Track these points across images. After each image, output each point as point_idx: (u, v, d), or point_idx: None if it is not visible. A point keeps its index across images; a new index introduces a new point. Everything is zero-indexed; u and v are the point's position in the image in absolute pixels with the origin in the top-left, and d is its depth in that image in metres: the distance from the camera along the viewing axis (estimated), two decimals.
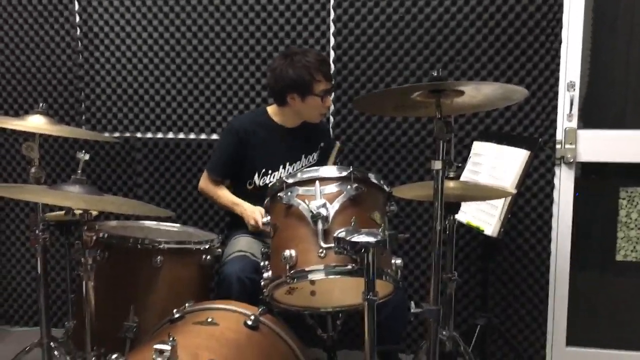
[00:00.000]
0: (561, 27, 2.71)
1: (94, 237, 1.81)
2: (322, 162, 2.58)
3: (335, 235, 1.59)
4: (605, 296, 2.96)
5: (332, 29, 2.87)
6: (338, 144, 2.37)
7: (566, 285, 2.88)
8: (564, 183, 2.82)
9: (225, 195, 2.52)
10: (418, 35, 2.81)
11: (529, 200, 2.82)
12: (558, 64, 2.73)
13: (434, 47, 2.80)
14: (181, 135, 3.05)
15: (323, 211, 1.72)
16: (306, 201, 1.76)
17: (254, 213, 2.33)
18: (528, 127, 2.78)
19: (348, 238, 1.54)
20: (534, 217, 2.82)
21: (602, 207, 2.92)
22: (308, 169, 1.85)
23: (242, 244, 2.38)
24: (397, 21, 2.81)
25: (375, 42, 2.84)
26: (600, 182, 2.89)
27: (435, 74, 1.69)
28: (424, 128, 2.87)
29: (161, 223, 2.51)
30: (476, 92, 1.71)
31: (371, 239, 1.53)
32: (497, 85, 1.74)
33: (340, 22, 2.85)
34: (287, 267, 1.73)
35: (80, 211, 1.73)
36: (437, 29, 2.79)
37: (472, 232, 2.84)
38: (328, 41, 2.88)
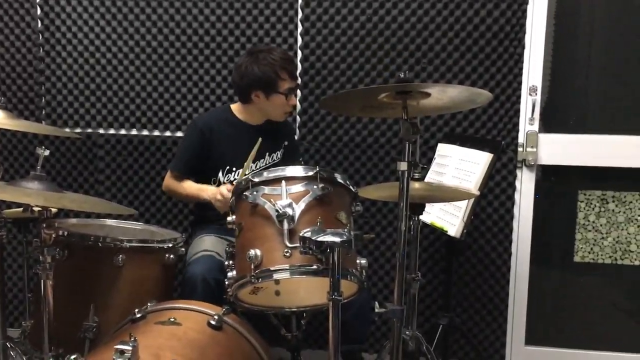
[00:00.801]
0: (524, 33, 2.76)
1: (53, 235, 1.77)
2: (285, 161, 2.58)
3: (300, 234, 1.58)
4: (564, 296, 3.04)
5: (300, 28, 2.87)
6: (260, 139, 2.32)
7: (526, 285, 2.94)
8: (525, 185, 2.88)
9: (190, 185, 2.49)
10: (385, 37, 2.83)
11: (491, 202, 2.87)
12: (521, 69, 2.78)
13: (401, 49, 2.82)
14: (145, 132, 3.01)
15: (289, 211, 1.72)
16: (272, 200, 1.75)
17: (218, 190, 2.29)
18: (491, 130, 2.83)
19: (314, 238, 1.54)
20: (495, 218, 2.88)
21: (561, 209, 2.99)
22: (274, 168, 1.85)
23: (207, 244, 2.36)
24: (364, 22, 2.83)
25: (342, 42, 2.85)
26: (559, 184, 2.96)
27: (402, 76, 1.71)
28: (390, 129, 2.89)
29: (123, 221, 2.47)
30: (442, 95, 1.74)
31: (337, 239, 1.53)
32: (462, 88, 1.78)
33: (308, 21, 2.85)
34: (252, 266, 1.72)
35: (39, 208, 1.69)
36: (404, 31, 2.81)
37: (435, 233, 2.87)
38: (295, 40, 2.88)
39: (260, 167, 2.51)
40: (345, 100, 1.85)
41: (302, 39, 2.87)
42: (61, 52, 2.98)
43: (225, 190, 2.20)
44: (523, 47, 2.77)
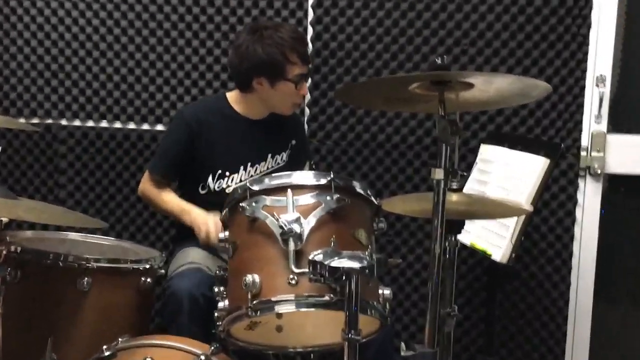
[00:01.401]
0: (590, 8, 2.77)
1: (4, 252, 1.79)
2: (292, 164, 2.59)
3: (310, 258, 1.59)
4: (635, 338, 3.02)
5: None
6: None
7: (588, 324, 2.93)
8: (589, 199, 2.88)
9: (171, 200, 2.51)
10: (417, 11, 2.83)
11: (546, 219, 2.87)
12: (586, 54, 2.79)
13: (436, 26, 2.83)
14: (117, 125, 3.03)
15: (296, 227, 1.73)
16: (275, 214, 1.76)
17: (207, 222, 2.32)
18: (548, 129, 2.83)
19: (326, 262, 1.55)
20: (551, 239, 2.88)
21: (634, 228, 2.98)
22: (278, 174, 1.86)
23: (194, 255, 2.39)
24: None
25: (363, 17, 2.86)
26: (632, 198, 2.96)
27: (439, 62, 1.71)
28: (421, 125, 2.90)
29: (89, 235, 2.48)
30: (488, 86, 1.74)
31: (355, 264, 1.54)
32: (513, 78, 1.77)
33: None
34: (249, 295, 1.73)
35: None
36: (440, 4, 2.82)
37: (476, 256, 2.87)
38: (306, 14, 2.89)
39: (261, 172, 2.52)
40: (366, 91, 1.86)
41: (314, 11, 2.88)
42: (13, 28, 3.01)
43: (213, 226, 2.25)
44: (589, 27, 2.77)
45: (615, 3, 2.80)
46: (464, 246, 2.52)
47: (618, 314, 3.03)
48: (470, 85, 1.71)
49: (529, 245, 2.88)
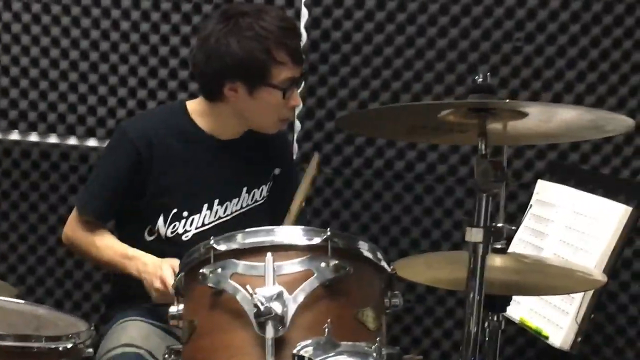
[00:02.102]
0: None
1: None
2: (275, 202, 2.61)
3: (295, 351, 1.59)
4: None
5: None
6: (317, 156, 2.34)
7: None
8: None
9: (110, 245, 2.49)
10: (452, 16, 2.90)
11: (626, 285, 2.90)
12: None
13: (477, 36, 2.89)
14: (33, 138, 3.05)
15: (276, 307, 1.71)
16: (249, 287, 1.74)
17: (160, 269, 2.30)
18: (630, 161, 2.88)
19: (317, 359, 1.55)
20: (633, 312, 2.91)
21: None
22: (254, 229, 1.85)
23: (133, 334, 2.37)
24: None
25: (377, 2, 2.91)
26: None
27: (480, 80, 1.74)
28: (456, 150, 2.93)
29: None
30: (547, 116, 1.76)
31: None
32: (581, 110, 1.80)
33: None
34: None
35: None
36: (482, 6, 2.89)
37: (528, 335, 2.88)
38: None
39: (233, 213, 2.54)
40: (381, 119, 1.87)
41: None
42: None
43: (170, 275, 2.21)
44: None
45: None
46: (510, 321, 2.54)
47: None
48: (523, 114, 1.73)
49: (602, 320, 2.91)
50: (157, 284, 2.25)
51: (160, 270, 2.27)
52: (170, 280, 2.16)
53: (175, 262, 2.18)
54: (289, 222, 2.28)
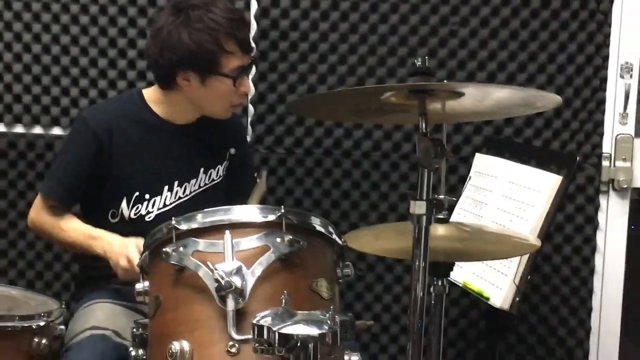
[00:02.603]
0: None
1: None
2: (231, 179, 2.63)
3: (254, 321, 1.60)
4: None
5: None
6: (265, 172, 2.40)
7: None
8: (613, 220, 2.97)
9: (74, 227, 2.49)
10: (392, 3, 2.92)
11: (559, 247, 2.96)
12: (608, 36, 2.87)
13: (416, 21, 2.91)
14: (0, 128, 3.04)
15: (236, 280, 1.74)
16: (209, 263, 1.77)
17: (125, 248, 2.31)
18: (560, 133, 2.93)
19: (275, 328, 1.56)
20: (566, 272, 2.96)
21: None
22: (213, 209, 1.87)
23: (99, 316, 2.37)
24: None
25: None
26: None
27: (419, 64, 1.76)
28: (399, 128, 2.96)
29: None
30: (483, 95, 1.81)
31: (313, 330, 1.55)
32: (513, 90, 1.83)
33: None
34: None
35: None
36: None
37: (471, 297, 2.93)
38: None
39: (191, 192, 2.55)
40: (328, 103, 1.90)
41: None
42: None
43: (134, 252, 2.21)
44: (611, 2, 2.86)
45: None
46: (453, 284, 2.58)
47: None
48: (459, 94, 1.76)
49: (538, 281, 2.96)
50: (123, 262, 2.26)
51: (125, 249, 2.27)
52: (136, 259, 2.15)
53: (139, 241, 2.19)
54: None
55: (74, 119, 2.93)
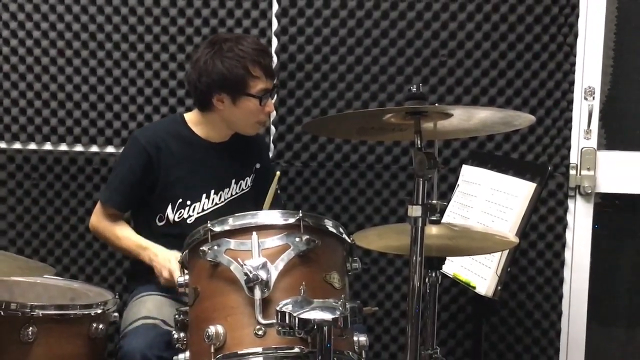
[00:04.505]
0: (577, 16, 2.83)
1: None
2: (257, 189, 2.63)
3: (278, 308, 1.62)
4: None
5: (275, 7, 2.92)
6: (278, 173, 2.40)
7: (582, 354, 2.99)
8: (580, 220, 2.94)
9: (127, 235, 2.50)
10: (390, 39, 2.91)
11: (534, 244, 2.93)
12: (573, 64, 2.86)
13: (411, 54, 2.90)
14: (63, 147, 3.03)
15: (262, 274, 1.75)
16: (239, 260, 1.78)
17: (169, 262, 2.31)
18: (534, 147, 2.91)
19: (295, 314, 1.58)
20: (540, 265, 2.93)
21: (629, 252, 3.03)
22: (242, 214, 1.87)
23: (149, 307, 2.37)
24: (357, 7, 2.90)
25: (333, 27, 2.91)
26: (626, 219, 3.01)
27: (414, 89, 1.76)
28: (398, 144, 2.95)
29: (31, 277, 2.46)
30: (468, 116, 1.79)
31: (327, 315, 1.57)
32: (493, 111, 1.83)
33: None
34: (212, 349, 1.75)
35: None
36: (414, 30, 2.90)
37: (459, 285, 2.90)
38: (269, 23, 2.93)
39: (225, 200, 2.55)
40: (338, 123, 1.89)
41: (279, 21, 2.92)
42: None
43: (176, 266, 2.20)
44: (576, 36, 2.84)
45: (604, 10, 2.87)
46: (445, 275, 2.56)
47: (614, 340, 3.08)
48: (448, 115, 1.76)
49: (516, 272, 2.93)
50: (166, 274, 2.29)
51: (168, 263, 2.30)
52: (177, 273, 2.17)
53: (178, 255, 2.19)
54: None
55: (125, 138, 2.94)
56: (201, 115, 2.54)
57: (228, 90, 2.42)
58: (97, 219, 2.56)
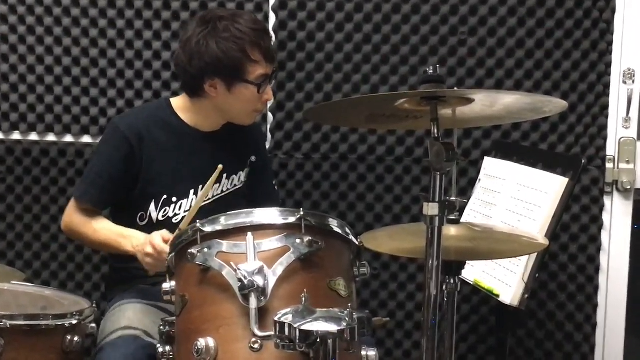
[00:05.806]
0: None
1: None
2: (252, 185, 2.63)
3: (276, 319, 1.59)
4: None
5: None
6: (220, 167, 2.29)
7: None
8: (618, 220, 2.94)
9: (105, 227, 2.48)
10: (403, 15, 2.89)
11: (566, 246, 2.92)
12: (610, 43, 2.84)
13: (427, 31, 2.89)
14: (33, 137, 3.03)
15: (258, 280, 1.73)
16: (233, 264, 1.76)
17: (150, 237, 2.28)
18: (565, 137, 2.90)
19: (296, 325, 1.56)
20: (572, 271, 2.93)
21: None
22: (236, 212, 1.86)
23: (130, 316, 2.36)
24: None
25: (338, 1, 2.90)
26: None
27: (431, 71, 1.75)
28: (411, 134, 2.94)
29: None
30: (491, 101, 1.79)
31: (332, 327, 1.55)
32: (519, 95, 1.82)
33: None
34: None
35: None
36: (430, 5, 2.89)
37: (481, 294, 2.91)
38: None
39: (214, 197, 2.54)
40: (344, 110, 1.88)
41: None
42: None
43: (159, 240, 2.20)
44: (613, 11, 2.83)
45: None
46: (465, 282, 2.56)
47: None
48: (469, 100, 1.75)
49: (545, 279, 2.93)
50: (148, 249, 2.23)
51: (150, 238, 2.26)
52: (159, 243, 2.18)
53: (164, 232, 2.22)
54: (189, 218, 2.18)
55: (102, 127, 2.94)
56: (190, 102, 2.52)
57: (223, 76, 2.40)
58: (70, 217, 2.53)
